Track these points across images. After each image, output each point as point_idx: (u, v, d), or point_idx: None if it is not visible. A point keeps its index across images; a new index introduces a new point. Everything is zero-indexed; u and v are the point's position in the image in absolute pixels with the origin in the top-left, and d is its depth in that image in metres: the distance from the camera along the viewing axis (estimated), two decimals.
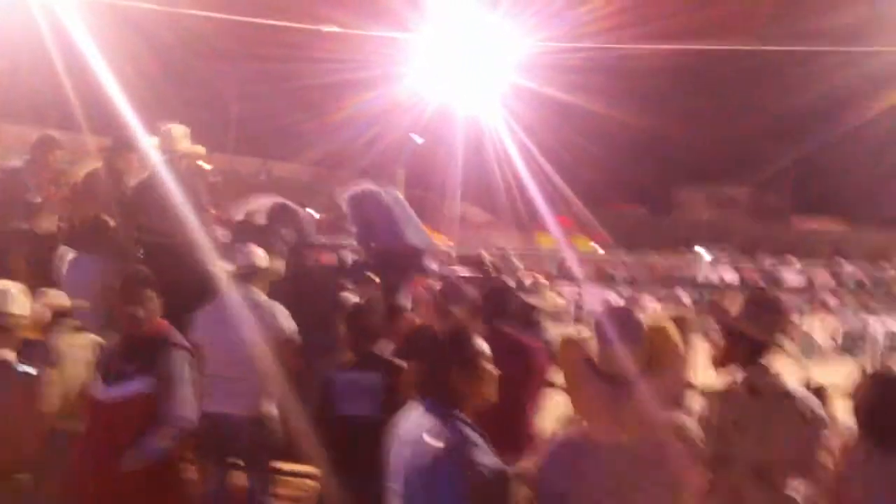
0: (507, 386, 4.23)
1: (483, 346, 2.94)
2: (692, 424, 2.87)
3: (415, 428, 2.82)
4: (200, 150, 6.24)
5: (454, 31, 18.91)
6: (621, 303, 16.42)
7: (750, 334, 3.13)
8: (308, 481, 4.86)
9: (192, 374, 4.01)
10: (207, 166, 6.34)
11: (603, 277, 19.09)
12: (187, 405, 3.92)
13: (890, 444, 3.25)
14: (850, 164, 40.48)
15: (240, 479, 4.95)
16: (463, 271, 6.59)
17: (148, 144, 6.10)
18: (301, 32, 16.73)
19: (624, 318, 2.73)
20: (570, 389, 2.81)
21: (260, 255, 5.16)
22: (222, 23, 18.10)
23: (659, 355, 2.68)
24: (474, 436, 2.75)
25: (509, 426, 4.22)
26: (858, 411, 3.17)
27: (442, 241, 26.30)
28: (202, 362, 4.62)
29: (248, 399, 4.79)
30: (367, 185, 6.42)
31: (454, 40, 19.03)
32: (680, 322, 3.15)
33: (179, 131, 6.12)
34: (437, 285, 5.50)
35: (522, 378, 4.07)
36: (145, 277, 4.10)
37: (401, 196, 6.48)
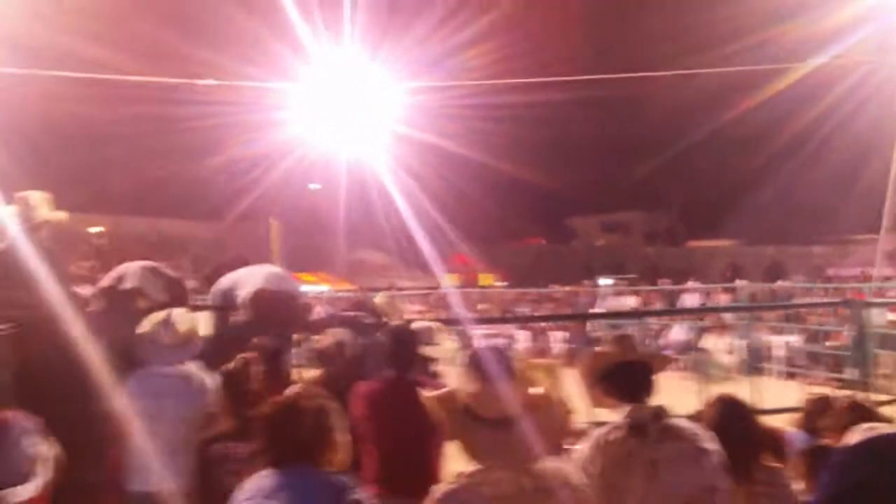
0: (415, 434, 4.11)
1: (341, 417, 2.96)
2: (576, 470, 2.72)
3: (289, 494, 2.71)
4: (62, 216, 5.90)
5: (335, 79, 18.93)
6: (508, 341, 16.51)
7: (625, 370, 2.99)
8: None
9: None
10: (95, 230, 6.00)
11: (507, 314, 19.09)
12: None
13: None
14: (737, 183, 41.99)
15: None
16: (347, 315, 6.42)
17: (3, 214, 5.74)
18: (179, 84, 16.53)
19: (495, 357, 2.59)
20: (455, 440, 2.69)
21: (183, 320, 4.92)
22: (99, 81, 17.69)
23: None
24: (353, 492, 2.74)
25: (417, 473, 4.20)
26: None
27: (340, 286, 26.10)
28: (130, 435, 4.46)
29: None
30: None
31: (335, 88, 19.04)
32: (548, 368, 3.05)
33: (37, 198, 5.77)
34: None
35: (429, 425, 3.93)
36: None
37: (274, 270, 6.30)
